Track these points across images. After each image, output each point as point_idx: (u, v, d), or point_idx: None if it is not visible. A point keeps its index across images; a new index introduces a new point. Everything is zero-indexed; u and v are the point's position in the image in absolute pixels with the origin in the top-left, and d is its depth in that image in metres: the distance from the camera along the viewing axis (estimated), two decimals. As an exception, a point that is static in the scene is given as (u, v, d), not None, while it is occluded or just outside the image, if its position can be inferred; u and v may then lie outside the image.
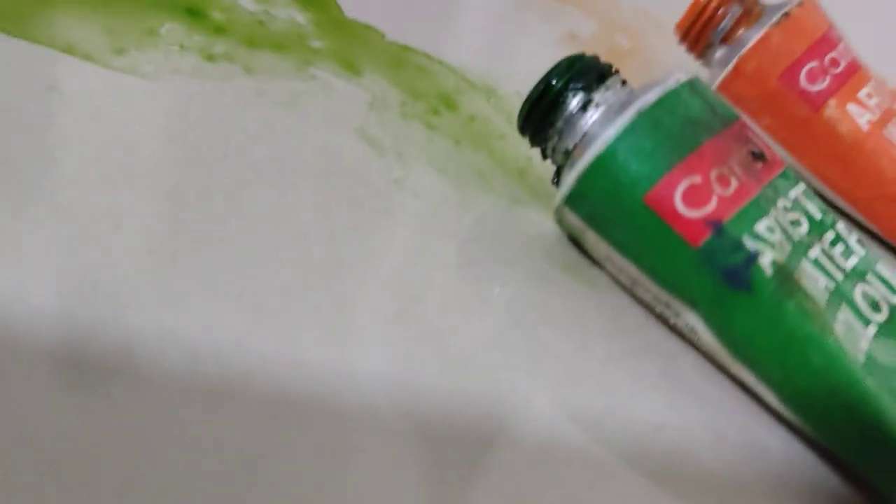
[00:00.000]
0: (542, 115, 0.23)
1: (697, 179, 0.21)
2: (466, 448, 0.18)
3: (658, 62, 0.34)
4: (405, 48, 0.29)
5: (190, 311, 0.18)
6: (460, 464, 0.18)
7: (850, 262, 0.22)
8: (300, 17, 0.29)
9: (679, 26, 0.32)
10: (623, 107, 0.22)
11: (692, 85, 0.23)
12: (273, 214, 0.22)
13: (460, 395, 0.19)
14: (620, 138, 0.21)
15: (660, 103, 0.22)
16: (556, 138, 0.23)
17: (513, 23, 0.34)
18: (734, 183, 0.21)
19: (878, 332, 0.21)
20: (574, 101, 0.23)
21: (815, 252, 0.22)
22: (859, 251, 0.23)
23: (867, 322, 0.21)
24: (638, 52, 0.35)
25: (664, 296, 0.22)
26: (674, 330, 0.23)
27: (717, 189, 0.21)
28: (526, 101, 0.24)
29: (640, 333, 0.23)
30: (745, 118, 0.29)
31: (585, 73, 0.23)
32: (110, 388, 0.16)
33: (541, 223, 0.25)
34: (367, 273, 0.21)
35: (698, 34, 0.31)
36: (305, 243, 0.21)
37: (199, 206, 0.21)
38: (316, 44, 0.28)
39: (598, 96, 0.23)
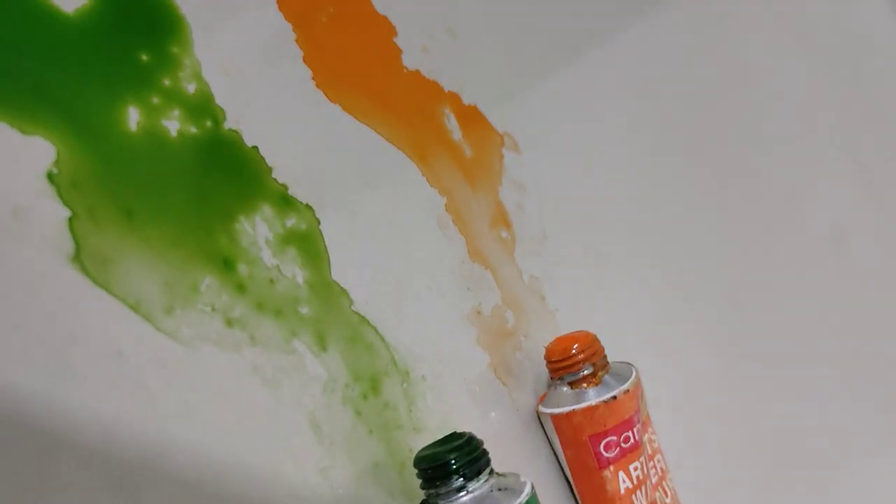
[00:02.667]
0: (431, 476, 0.34)
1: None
2: None
3: (525, 353, 0.46)
4: (363, 320, 0.39)
5: None
6: None
7: None
8: (300, 276, 0.37)
9: (547, 354, 0.44)
10: (483, 507, 0.34)
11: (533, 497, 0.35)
12: None
13: None
14: (472, 539, 0.33)
15: (505, 522, 0.33)
16: (433, 492, 0.35)
17: (441, 283, 0.43)
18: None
19: None
20: (456, 483, 0.34)
21: None
22: None
23: None
24: (515, 336, 0.46)
25: None
26: None
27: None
28: (425, 459, 0.35)
29: None
30: (559, 445, 0.42)
31: (471, 463, 0.34)
32: None
33: (399, 519, 0.36)
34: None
35: (557, 369, 0.43)
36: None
37: (213, 485, 0.30)
38: (304, 310, 0.37)
39: (471, 485, 0.34)
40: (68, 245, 0.30)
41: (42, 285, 0.29)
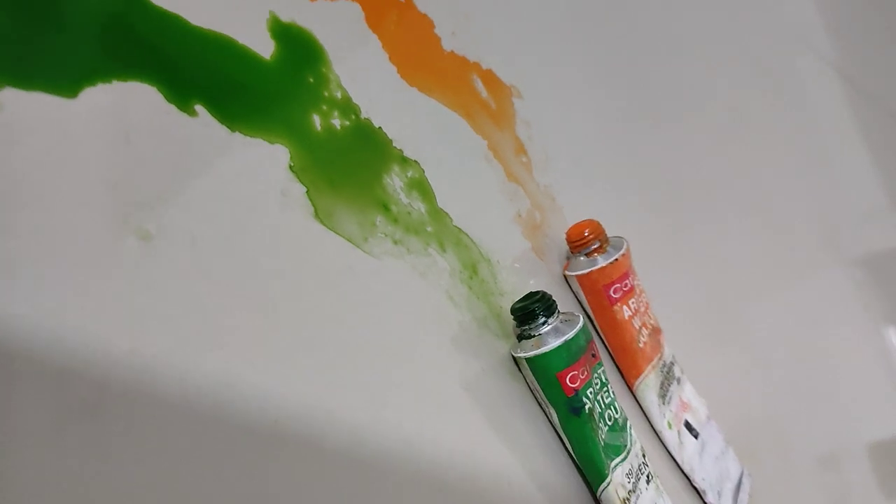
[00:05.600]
0: (524, 318, 0.57)
1: (575, 372, 0.57)
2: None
3: (550, 238, 0.68)
4: (460, 230, 0.60)
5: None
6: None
7: (607, 400, 0.60)
8: (422, 208, 0.58)
9: (567, 237, 0.67)
10: (558, 332, 0.57)
11: (584, 327, 0.58)
12: (397, 346, 0.54)
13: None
14: (555, 350, 0.56)
15: (574, 337, 0.57)
16: (526, 328, 0.58)
17: (495, 200, 0.65)
18: (585, 374, 0.58)
19: (608, 429, 0.60)
20: (540, 319, 0.57)
21: (600, 396, 0.59)
22: (612, 395, 0.61)
23: (605, 425, 0.60)
24: (542, 228, 0.69)
25: (547, 404, 0.58)
26: (545, 413, 0.59)
27: (580, 376, 0.57)
28: (520, 309, 0.57)
29: (532, 415, 0.59)
30: (582, 295, 0.65)
31: (547, 308, 0.57)
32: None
33: (502, 349, 0.59)
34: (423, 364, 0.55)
35: (576, 246, 0.66)
36: (407, 366, 0.54)
37: (375, 352, 0.52)
38: (429, 228, 0.58)
39: (550, 320, 0.57)
40: (309, 208, 0.51)
41: (302, 234, 0.50)
